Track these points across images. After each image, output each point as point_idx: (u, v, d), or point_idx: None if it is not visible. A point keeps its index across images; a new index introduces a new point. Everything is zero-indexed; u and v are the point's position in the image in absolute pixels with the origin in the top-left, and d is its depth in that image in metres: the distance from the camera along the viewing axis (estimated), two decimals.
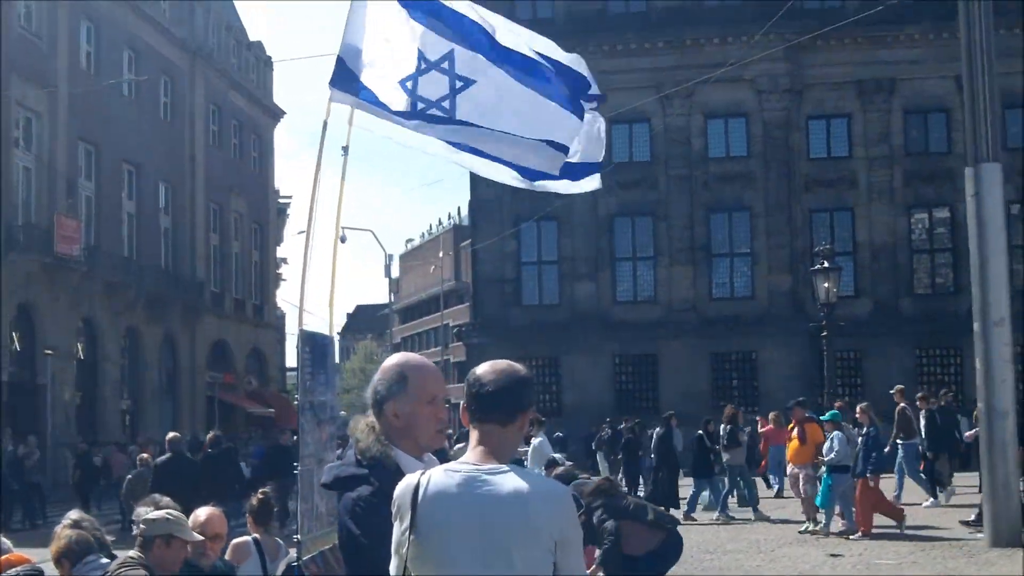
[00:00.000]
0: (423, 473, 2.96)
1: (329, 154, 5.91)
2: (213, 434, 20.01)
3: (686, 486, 19.66)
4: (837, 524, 15.72)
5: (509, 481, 2.88)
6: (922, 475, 19.10)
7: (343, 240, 41.51)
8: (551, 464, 13.22)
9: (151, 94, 40.25)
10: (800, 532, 15.93)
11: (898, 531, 15.27)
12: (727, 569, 13.23)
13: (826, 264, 21.84)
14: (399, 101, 5.68)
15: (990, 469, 13.56)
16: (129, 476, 20.22)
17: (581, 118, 5.81)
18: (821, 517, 15.91)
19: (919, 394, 19.73)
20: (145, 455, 21.05)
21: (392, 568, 2.97)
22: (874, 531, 15.24)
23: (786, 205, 37.36)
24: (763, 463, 22.43)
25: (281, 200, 55.93)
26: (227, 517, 6.72)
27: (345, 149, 5.88)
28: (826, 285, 21.64)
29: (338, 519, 3.30)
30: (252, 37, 51.89)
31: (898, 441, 19.16)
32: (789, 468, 17.88)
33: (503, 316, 38.19)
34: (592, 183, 6.17)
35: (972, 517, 14.95)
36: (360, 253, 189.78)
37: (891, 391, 20.03)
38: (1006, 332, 13.72)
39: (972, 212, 14.18)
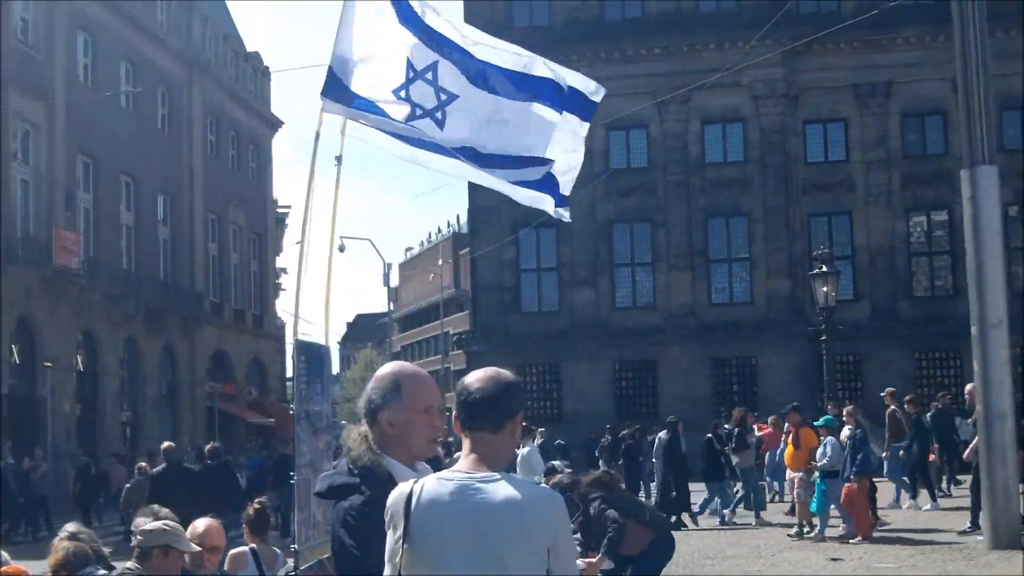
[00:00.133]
0: (416, 481, 2.98)
1: (324, 164, 5.94)
2: (213, 445, 19.99)
3: (697, 491, 19.20)
4: (838, 528, 15.72)
5: (502, 489, 2.90)
6: (905, 479, 19.07)
7: (342, 249, 41.60)
8: (550, 471, 13.12)
9: (148, 105, 40.23)
10: (788, 536, 15.92)
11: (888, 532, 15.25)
12: (727, 574, 13.22)
13: (824, 268, 21.84)
14: (399, 111, 5.71)
15: (989, 472, 13.55)
16: (127, 486, 20.24)
17: (559, 110, 5.85)
18: (817, 522, 15.91)
19: (907, 397, 19.69)
20: (143, 465, 21.06)
21: None
22: (874, 535, 15.25)
23: (784, 210, 37.39)
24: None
25: (280, 210, 55.94)
26: (225, 529, 6.73)
27: (338, 159, 5.91)
28: (825, 289, 21.64)
29: (331, 528, 3.31)
30: (249, 47, 51.88)
31: (894, 444, 19.17)
32: (788, 473, 17.87)
33: (503, 323, 38.22)
34: (564, 214, 6.28)
35: (967, 525, 14.87)
36: (359, 262, 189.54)
37: (881, 394, 20.03)
38: (1004, 335, 13.69)
39: (968, 215, 14.15)
